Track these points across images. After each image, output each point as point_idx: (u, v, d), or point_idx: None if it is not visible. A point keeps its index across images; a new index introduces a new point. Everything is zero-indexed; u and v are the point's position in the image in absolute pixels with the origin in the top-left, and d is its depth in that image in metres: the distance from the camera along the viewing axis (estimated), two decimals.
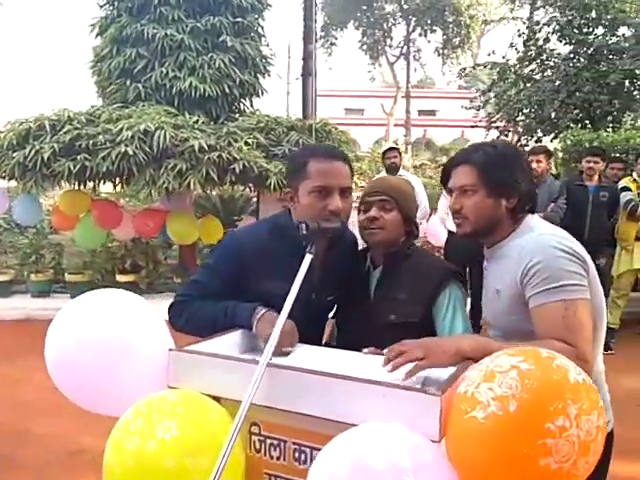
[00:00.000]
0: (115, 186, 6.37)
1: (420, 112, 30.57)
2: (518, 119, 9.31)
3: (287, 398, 1.38)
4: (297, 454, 1.42)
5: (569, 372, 1.15)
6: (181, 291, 1.94)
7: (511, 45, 9.45)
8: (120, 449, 1.32)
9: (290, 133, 6.17)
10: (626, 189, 5.75)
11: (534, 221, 1.80)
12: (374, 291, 1.99)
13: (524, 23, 9.83)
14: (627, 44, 8.05)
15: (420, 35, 27.16)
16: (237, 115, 6.85)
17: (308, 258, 1.58)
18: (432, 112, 32.06)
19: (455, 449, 1.19)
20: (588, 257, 1.68)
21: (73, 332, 1.51)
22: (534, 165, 5.50)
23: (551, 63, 8.87)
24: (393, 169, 6.26)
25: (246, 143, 5.60)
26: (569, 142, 6.70)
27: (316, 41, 8.04)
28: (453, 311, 1.89)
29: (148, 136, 5.34)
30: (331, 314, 2.11)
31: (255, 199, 11.23)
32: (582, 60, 8.24)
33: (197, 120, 5.87)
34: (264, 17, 6.98)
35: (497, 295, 1.77)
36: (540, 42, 8.99)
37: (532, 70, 9.23)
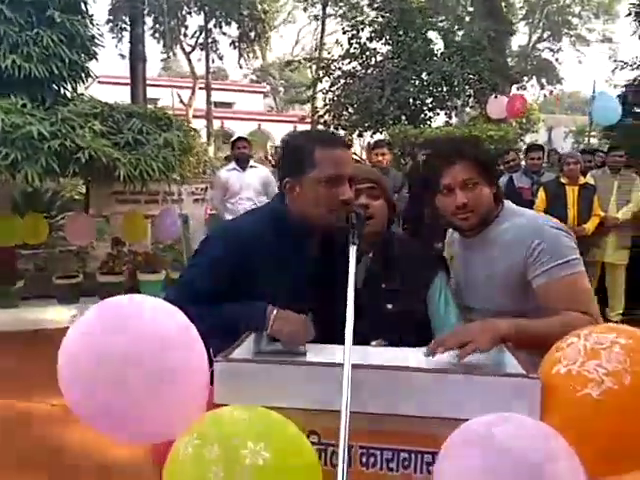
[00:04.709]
0: None
1: (217, 104, 30.40)
2: (344, 114, 9.78)
3: (375, 400, 1.30)
4: (365, 458, 1.35)
5: None
6: (171, 296, 1.70)
7: (336, 42, 9.92)
8: None
9: (131, 120, 5.73)
10: None
11: (512, 205, 1.93)
12: (364, 281, 1.95)
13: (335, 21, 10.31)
14: (437, 47, 8.95)
15: (215, 27, 26.94)
16: (63, 99, 6.16)
17: (354, 249, 1.51)
18: (229, 104, 32.11)
19: (570, 428, 1.22)
20: None
21: (97, 339, 1.25)
22: (379, 158, 5.80)
23: (373, 61, 9.49)
24: (244, 159, 6.17)
25: (91, 130, 5.08)
26: (399, 136, 7.23)
27: (144, 24, 7.59)
28: (445, 298, 1.94)
29: None
30: None
31: (63, 194, 10.30)
32: (402, 61, 8.94)
33: (25, 104, 5.16)
34: None
35: (488, 280, 1.85)
36: (363, 40, 9.56)
37: (355, 68, 9.77)
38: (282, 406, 1.32)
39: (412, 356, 1.59)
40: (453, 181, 1.80)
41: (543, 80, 31.52)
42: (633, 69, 10.87)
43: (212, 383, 1.38)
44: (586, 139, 10.96)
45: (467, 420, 1.20)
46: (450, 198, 1.81)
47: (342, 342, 1.74)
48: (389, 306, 1.88)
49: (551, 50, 31.78)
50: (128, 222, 6.58)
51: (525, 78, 28.22)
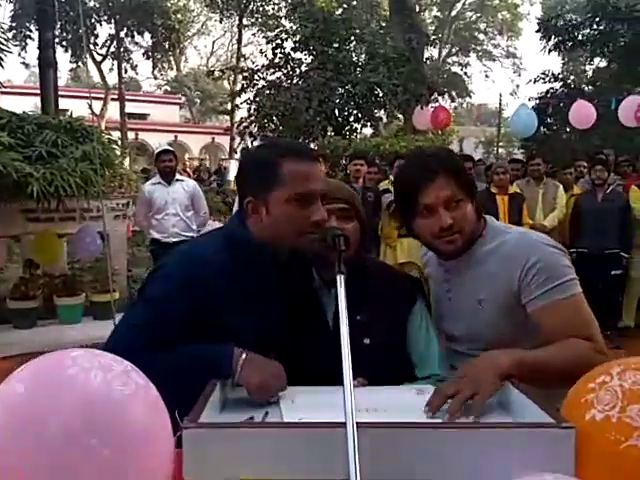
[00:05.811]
0: None
1: (130, 115, 29.47)
2: (269, 125, 9.51)
3: (386, 465, 1.07)
4: None
5: None
6: (117, 341, 1.41)
7: (261, 52, 9.68)
8: None
9: (43, 132, 5.25)
10: (387, 191, 6.24)
11: (495, 222, 1.77)
12: (335, 313, 1.73)
13: (271, 32, 10.12)
14: (362, 58, 8.90)
15: (127, 36, 26.13)
16: None
17: (342, 279, 1.28)
18: (143, 116, 31.23)
19: None
20: None
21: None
22: None
23: (298, 72, 9.30)
24: (169, 173, 5.85)
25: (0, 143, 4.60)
26: (328, 148, 7.11)
27: (54, 28, 7.05)
28: (426, 326, 1.74)
29: None
30: None
31: None
32: (328, 71, 8.79)
33: None
34: None
35: (479, 305, 1.66)
36: (287, 50, 9.34)
37: (279, 78, 9.54)
38: (269, 478, 1.08)
39: (404, 400, 1.39)
40: (435, 200, 1.57)
41: (453, 93, 32.61)
42: (545, 82, 11.31)
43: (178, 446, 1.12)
44: (494, 149, 11.30)
45: None
46: (432, 219, 1.58)
47: (313, 382, 1.52)
48: (366, 341, 1.66)
49: (460, 64, 33.05)
50: (41, 242, 6.06)
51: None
